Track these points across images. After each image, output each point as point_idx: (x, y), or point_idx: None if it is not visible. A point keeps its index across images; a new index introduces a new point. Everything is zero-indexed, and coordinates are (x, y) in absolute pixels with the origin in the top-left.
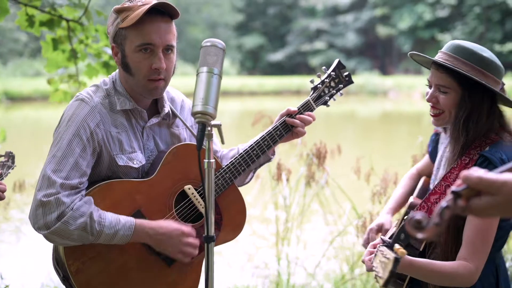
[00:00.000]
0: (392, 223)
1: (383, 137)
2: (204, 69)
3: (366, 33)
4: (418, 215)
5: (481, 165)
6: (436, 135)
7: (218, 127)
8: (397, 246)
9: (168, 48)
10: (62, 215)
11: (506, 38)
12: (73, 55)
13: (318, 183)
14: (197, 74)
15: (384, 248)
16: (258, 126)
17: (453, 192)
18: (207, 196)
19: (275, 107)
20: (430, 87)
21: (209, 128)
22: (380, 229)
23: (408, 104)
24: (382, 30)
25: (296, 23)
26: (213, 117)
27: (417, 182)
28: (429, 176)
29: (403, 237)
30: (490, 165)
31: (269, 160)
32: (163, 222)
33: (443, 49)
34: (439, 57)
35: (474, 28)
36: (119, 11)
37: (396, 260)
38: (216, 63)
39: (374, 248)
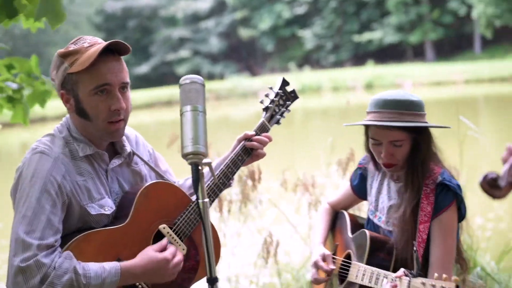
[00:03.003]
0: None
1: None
2: (188, 107)
3: (228, 36)
4: (492, 174)
5: (441, 192)
6: (362, 170)
7: (209, 164)
8: (444, 276)
9: (124, 86)
10: (46, 277)
11: (362, 28)
12: None
13: (253, 202)
14: (181, 114)
15: (425, 280)
16: (173, 147)
17: None
18: (207, 237)
19: (149, 120)
20: (378, 144)
21: (200, 168)
22: (325, 259)
23: None
24: (244, 32)
25: (158, 34)
26: (205, 156)
27: (333, 216)
28: (345, 209)
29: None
30: (449, 191)
31: (229, 185)
32: (145, 255)
33: (376, 109)
34: (380, 117)
35: (332, 22)
36: (64, 56)
37: (457, 287)
38: (198, 99)
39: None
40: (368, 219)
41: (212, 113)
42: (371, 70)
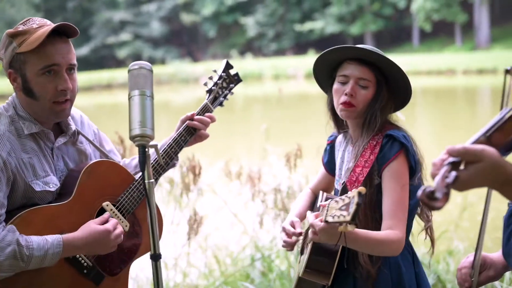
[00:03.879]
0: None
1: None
2: (136, 92)
3: (170, 21)
4: (429, 187)
5: (387, 143)
6: (331, 146)
7: (155, 147)
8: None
9: (71, 68)
10: None
11: (305, 18)
12: None
13: (194, 191)
14: (130, 98)
15: (338, 198)
16: None
17: (451, 163)
18: (152, 215)
19: (88, 103)
20: (344, 83)
21: (146, 149)
22: (294, 225)
23: None
24: (186, 18)
25: (99, 16)
26: (152, 138)
27: (312, 199)
28: (325, 190)
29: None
30: (395, 141)
31: (173, 166)
32: (87, 228)
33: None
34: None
35: (275, 10)
36: (13, 36)
37: (360, 194)
38: (146, 84)
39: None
40: (335, 189)
41: None
42: (312, 59)
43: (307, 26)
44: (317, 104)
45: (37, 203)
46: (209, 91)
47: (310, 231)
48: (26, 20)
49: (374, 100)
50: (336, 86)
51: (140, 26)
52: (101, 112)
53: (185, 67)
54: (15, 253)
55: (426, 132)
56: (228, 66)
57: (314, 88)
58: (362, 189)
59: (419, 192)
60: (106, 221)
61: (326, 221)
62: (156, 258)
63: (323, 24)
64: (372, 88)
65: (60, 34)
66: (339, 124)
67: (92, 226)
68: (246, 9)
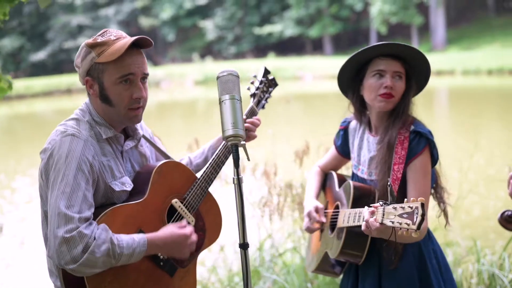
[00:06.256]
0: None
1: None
2: (227, 96)
3: (129, 25)
4: (508, 212)
5: (415, 138)
6: (344, 131)
7: (243, 146)
8: (412, 198)
9: (144, 77)
10: (87, 246)
11: (263, 21)
12: None
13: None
14: (221, 102)
15: (396, 205)
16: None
17: None
18: (239, 207)
19: (47, 108)
20: (381, 76)
21: (239, 148)
22: (318, 211)
23: (180, 92)
24: (145, 21)
25: (56, 20)
26: (243, 138)
27: (323, 177)
28: (333, 170)
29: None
30: (422, 137)
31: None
32: (167, 230)
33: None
34: (389, 45)
35: (233, 13)
36: (92, 46)
37: (422, 205)
38: (235, 89)
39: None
40: (353, 173)
41: None
42: (272, 62)
43: (266, 29)
44: (278, 108)
45: (115, 202)
46: (253, 95)
47: (364, 226)
48: (104, 32)
49: (407, 91)
50: (371, 81)
51: (98, 30)
52: (62, 117)
53: None
54: (109, 251)
55: None
56: (266, 72)
57: (274, 91)
58: (422, 199)
59: (498, 216)
60: (184, 227)
61: (381, 223)
62: (244, 247)
63: (282, 27)
64: (404, 79)
65: (136, 45)
66: (361, 117)
67: (172, 228)
68: (205, 13)
